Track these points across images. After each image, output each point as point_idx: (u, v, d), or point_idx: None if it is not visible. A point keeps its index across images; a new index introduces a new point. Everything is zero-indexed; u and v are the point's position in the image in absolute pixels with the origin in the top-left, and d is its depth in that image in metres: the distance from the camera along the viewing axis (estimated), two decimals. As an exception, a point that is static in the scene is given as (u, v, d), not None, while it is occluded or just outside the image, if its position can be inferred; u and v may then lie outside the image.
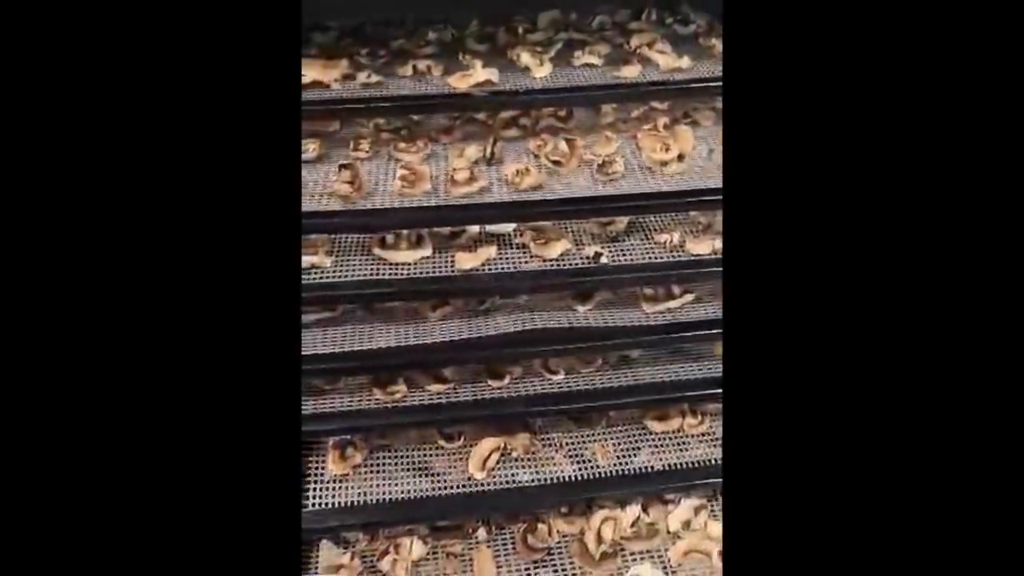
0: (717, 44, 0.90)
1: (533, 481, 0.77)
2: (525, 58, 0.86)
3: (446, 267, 0.76)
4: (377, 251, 0.77)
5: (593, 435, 0.82)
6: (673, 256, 0.77)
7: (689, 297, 0.79)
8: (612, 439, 0.82)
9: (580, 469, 0.79)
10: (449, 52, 0.89)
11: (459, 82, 0.82)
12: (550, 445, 0.81)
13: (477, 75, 0.83)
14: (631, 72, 0.85)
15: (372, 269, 0.76)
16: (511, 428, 0.80)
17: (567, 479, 0.78)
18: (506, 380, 0.78)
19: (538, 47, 0.90)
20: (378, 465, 0.79)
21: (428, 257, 0.77)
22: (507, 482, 0.78)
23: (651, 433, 0.82)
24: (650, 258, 0.77)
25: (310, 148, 0.84)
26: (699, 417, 0.82)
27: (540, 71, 0.85)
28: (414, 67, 0.85)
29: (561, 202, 0.75)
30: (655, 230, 0.81)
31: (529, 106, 0.87)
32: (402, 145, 0.85)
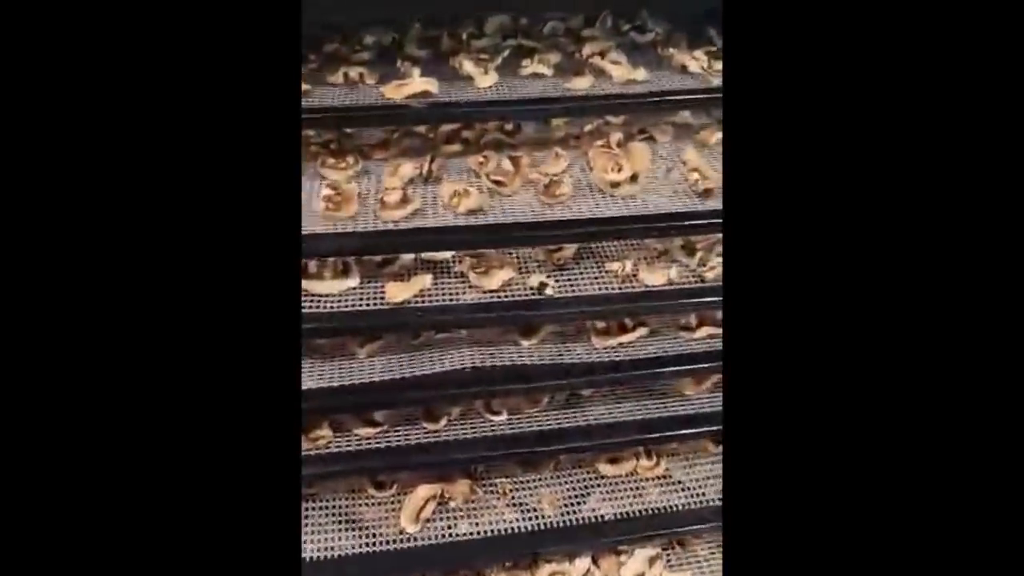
0: (676, 54, 0.84)
1: (473, 534, 0.70)
2: (468, 66, 0.79)
3: (375, 299, 0.68)
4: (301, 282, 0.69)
5: (539, 480, 0.75)
6: (625, 287, 0.71)
7: (643, 331, 0.72)
8: (560, 485, 0.75)
9: (525, 519, 0.72)
10: (387, 58, 0.82)
11: (394, 92, 0.75)
12: (492, 492, 0.74)
13: (415, 84, 0.75)
14: (582, 83, 0.78)
15: (293, 301, 0.68)
16: (449, 474, 0.72)
17: (511, 531, 0.71)
18: (443, 422, 0.71)
19: (483, 54, 0.83)
20: (304, 516, 0.72)
21: (355, 288, 0.70)
22: (444, 535, 0.70)
23: (602, 477, 0.76)
24: (600, 289, 0.70)
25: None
26: (654, 459, 0.76)
27: (484, 80, 0.78)
28: (345, 74, 0.78)
29: (502, 228, 0.68)
30: (606, 257, 0.74)
31: (472, 119, 0.80)
32: (330, 161, 0.77)
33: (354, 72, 0.78)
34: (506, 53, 0.83)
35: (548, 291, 0.69)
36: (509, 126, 0.87)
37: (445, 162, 0.79)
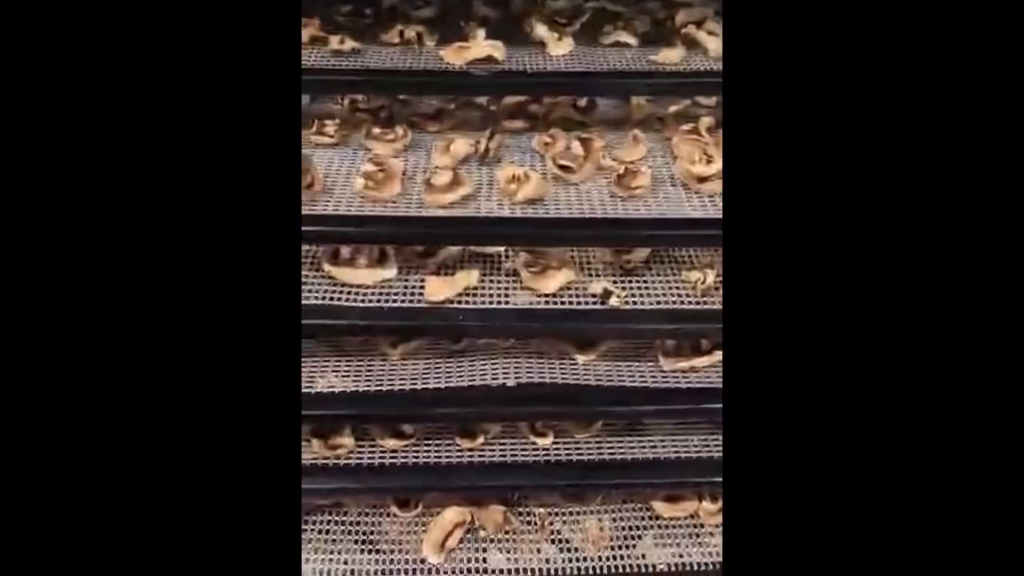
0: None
1: (505, 571, 0.61)
2: (541, 30, 0.68)
3: (414, 295, 0.59)
4: (328, 267, 0.61)
5: (584, 513, 0.66)
6: (704, 302, 0.60)
7: (719, 355, 0.62)
8: (608, 521, 0.65)
9: (565, 557, 0.63)
10: (452, 16, 0.72)
11: (454, 56, 0.65)
12: (529, 523, 0.65)
13: (478, 48, 0.65)
14: (672, 56, 0.67)
15: (320, 291, 0.60)
16: (482, 499, 0.64)
17: (548, 571, 0.62)
18: (480, 440, 0.62)
19: (560, 17, 0.72)
20: (316, 532, 0.64)
21: (391, 280, 0.61)
22: (471, 568, 0.62)
23: (657, 518, 0.66)
24: (675, 301, 0.60)
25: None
26: (719, 503, 0.66)
27: (558, 48, 0.67)
28: (401, 33, 0.69)
29: (565, 223, 0.58)
30: (684, 264, 0.63)
31: (540, 91, 0.70)
32: (376, 131, 0.68)
33: (411, 31, 0.69)
34: (586, 17, 0.72)
35: (613, 300, 0.59)
36: (583, 102, 0.76)
37: (506, 140, 0.70)
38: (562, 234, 0.58)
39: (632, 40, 0.69)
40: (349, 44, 0.66)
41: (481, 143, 0.67)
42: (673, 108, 0.74)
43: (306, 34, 0.67)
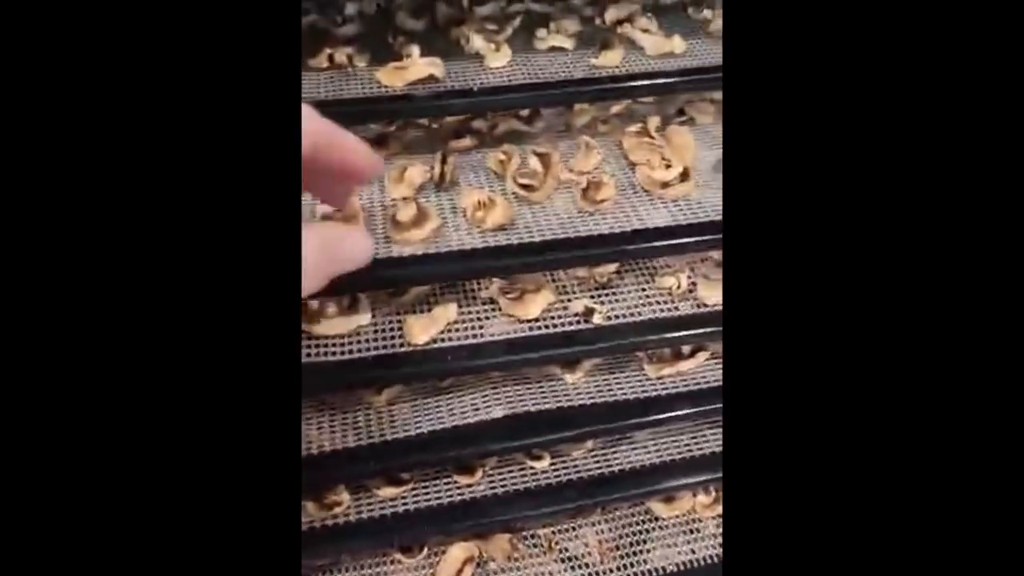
0: (712, 17, 0.73)
1: (520, 600, 0.61)
2: (477, 42, 0.66)
3: (393, 338, 0.57)
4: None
5: (587, 526, 0.66)
6: (683, 306, 0.61)
7: (703, 356, 0.63)
8: (611, 530, 0.66)
9: (579, 575, 0.63)
10: (375, 31, 0.69)
11: (392, 77, 0.62)
12: (536, 545, 0.64)
13: (416, 68, 0.63)
14: (612, 59, 0.66)
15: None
16: (486, 531, 0.63)
17: (563, 592, 0.62)
18: (479, 475, 0.61)
19: (489, 24, 0.70)
20: (318, 592, 0.62)
21: (366, 325, 0.58)
22: (488, 602, 0.62)
23: (657, 519, 0.67)
24: (656, 310, 0.60)
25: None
26: (711, 495, 0.68)
27: (496, 60, 0.65)
28: (330, 56, 0.65)
29: (542, 247, 0.57)
30: (656, 272, 0.64)
31: (489, 108, 0.68)
32: (322, 165, 0.64)
33: (341, 54, 0.65)
34: (517, 22, 0.71)
35: (596, 318, 0.59)
36: (525, 112, 0.74)
37: (457, 160, 0.67)
38: (542, 260, 0.57)
39: (568, 44, 0.68)
40: (279, 76, 0.62)
41: (435, 167, 0.64)
42: (615, 109, 0.74)
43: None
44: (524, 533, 0.64)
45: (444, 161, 0.65)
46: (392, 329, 0.58)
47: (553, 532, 0.65)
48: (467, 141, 0.69)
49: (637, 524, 0.66)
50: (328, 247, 0.41)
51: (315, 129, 0.40)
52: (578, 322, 0.59)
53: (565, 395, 0.60)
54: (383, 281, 0.56)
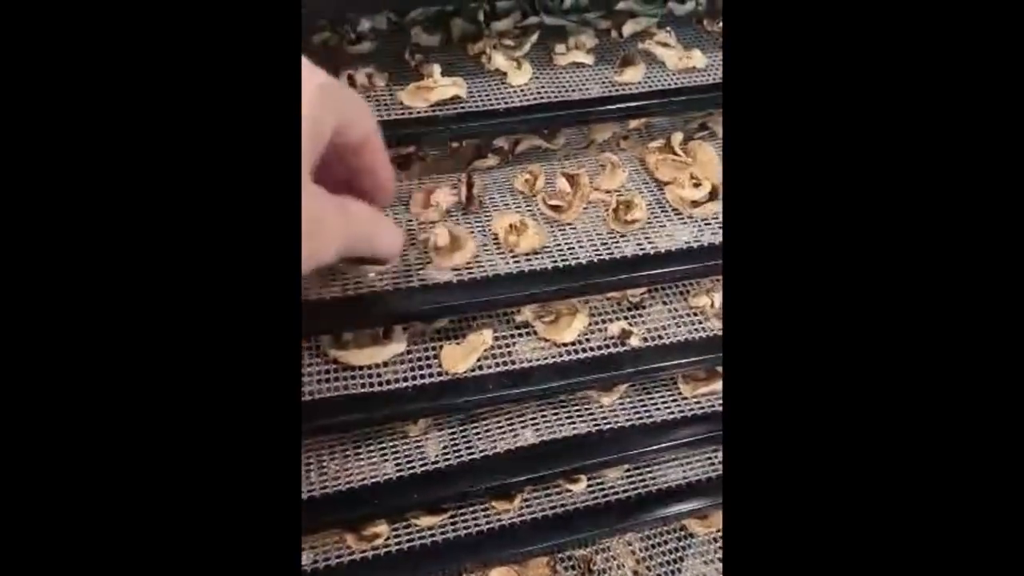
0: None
1: (560, 623, 0.61)
2: (499, 60, 0.65)
3: (430, 367, 0.56)
4: (333, 352, 0.56)
5: (623, 545, 0.66)
6: (716, 324, 0.61)
7: (737, 374, 0.63)
8: (646, 549, 0.66)
9: (615, 595, 0.64)
10: (390, 48, 0.67)
11: (415, 98, 0.61)
12: (573, 567, 0.64)
13: (440, 89, 0.62)
14: (635, 75, 0.66)
15: (328, 379, 0.55)
16: (524, 557, 0.63)
17: (602, 613, 0.62)
18: (517, 501, 0.61)
19: (507, 39, 0.69)
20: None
21: (402, 354, 0.57)
22: (528, 627, 0.61)
23: (691, 535, 0.67)
24: (690, 331, 0.60)
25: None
26: (746, 509, 0.68)
27: (519, 77, 0.64)
28: (350, 77, 0.63)
29: (580, 272, 0.56)
30: (687, 292, 0.64)
31: (516, 129, 0.67)
32: (345, 189, 0.63)
33: (361, 75, 0.64)
34: (534, 38, 0.70)
35: (633, 340, 0.58)
36: (545, 130, 0.74)
37: (481, 179, 0.67)
38: (579, 286, 0.56)
39: (587, 59, 0.67)
40: (301, 99, 0.60)
41: (461, 189, 0.64)
42: (634, 124, 0.74)
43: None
44: (560, 555, 0.64)
45: (470, 184, 0.64)
46: (428, 357, 0.57)
47: (591, 553, 0.65)
48: (490, 160, 0.69)
49: (673, 541, 0.67)
50: (353, 221, 0.39)
51: (370, 128, 0.41)
52: (615, 345, 0.59)
53: (603, 418, 0.60)
54: (420, 313, 0.55)
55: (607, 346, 0.59)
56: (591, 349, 0.58)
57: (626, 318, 0.61)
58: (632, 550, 0.65)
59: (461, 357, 0.56)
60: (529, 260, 0.58)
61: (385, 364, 0.57)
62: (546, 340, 0.59)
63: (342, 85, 0.40)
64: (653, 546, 0.66)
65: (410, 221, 0.61)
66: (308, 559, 0.57)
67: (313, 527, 0.57)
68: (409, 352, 0.57)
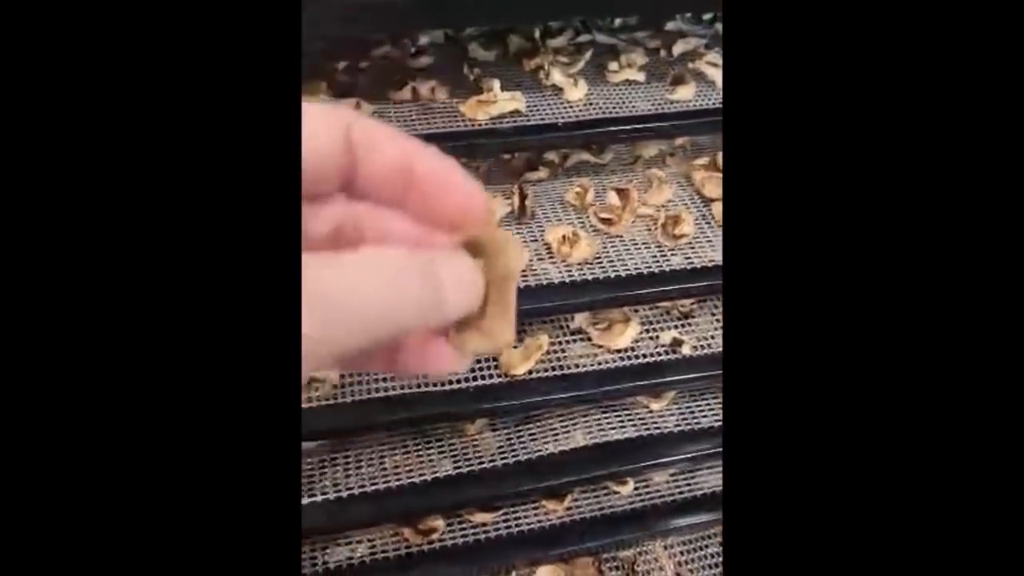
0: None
1: (606, 621, 0.63)
2: (556, 75, 0.68)
3: (488, 370, 0.59)
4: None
5: (667, 548, 0.68)
6: (762, 336, 0.63)
7: (779, 383, 0.65)
8: (688, 553, 0.68)
9: (657, 596, 0.65)
10: (450, 62, 0.70)
11: (475, 111, 0.64)
12: (618, 568, 0.66)
13: (503, 103, 0.65)
14: (686, 93, 0.69)
15: (389, 377, 0.58)
16: (573, 555, 0.65)
17: (646, 614, 0.64)
18: (568, 501, 0.63)
19: (562, 56, 0.72)
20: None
21: (463, 358, 0.60)
22: (574, 624, 0.63)
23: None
24: (735, 341, 0.63)
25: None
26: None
27: (575, 93, 0.67)
28: (414, 90, 0.66)
29: (632, 282, 0.59)
30: (734, 302, 0.66)
31: (569, 142, 0.70)
32: (406, 198, 0.66)
33: (424, 87, 0.66)
34: (588, 55, 0.73)
35: (685, 348, 0.61)
36: (594, 145, 0.77)
37: (532, 191, 0.69)
38: (633, 295, 0.59)
39: (639, 77, 0.70)
40: (367, 108, 0.63)
41: (514, 200, 0.66)
42: (679, 141, 0.77)
43: (316, 100, 0.63)
44: (607, 556, 0.66)
45: (523, 194, 0.67)
46: (487, 360, 0.59)
47: (634, 555, 0.67)
48: (540, 173, 0.72)
49: (714, 546, 0.69)
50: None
51: (403, 148, 0.27)
52: (666, 352, 0.61)
53: (652, 422, 0.62)
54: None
55: (658, 353, 0.61)
56: (642, 356, 0.61)
57: (676, 327, 0.63)
58: (674, 553, 0.67)
59: (520, 359, 0.59)
60: (582, 270, 0.60)
61: (446, 366, 0.59)
62: (600, 346, 0.61)
63: (360, 114, 0.29)
64: (694, 550, 0.68)
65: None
66: (365, 550, 0.59)
67: (372, 520, 0.59)
68: (468, 356, 0.60)
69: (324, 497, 0.56)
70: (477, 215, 0.28)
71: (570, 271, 0.60)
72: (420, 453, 0.59)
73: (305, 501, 0.55)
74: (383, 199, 0.27)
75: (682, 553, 0.68)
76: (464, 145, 0.65)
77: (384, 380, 0.58)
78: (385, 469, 0.58)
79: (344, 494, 0.57)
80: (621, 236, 0.65)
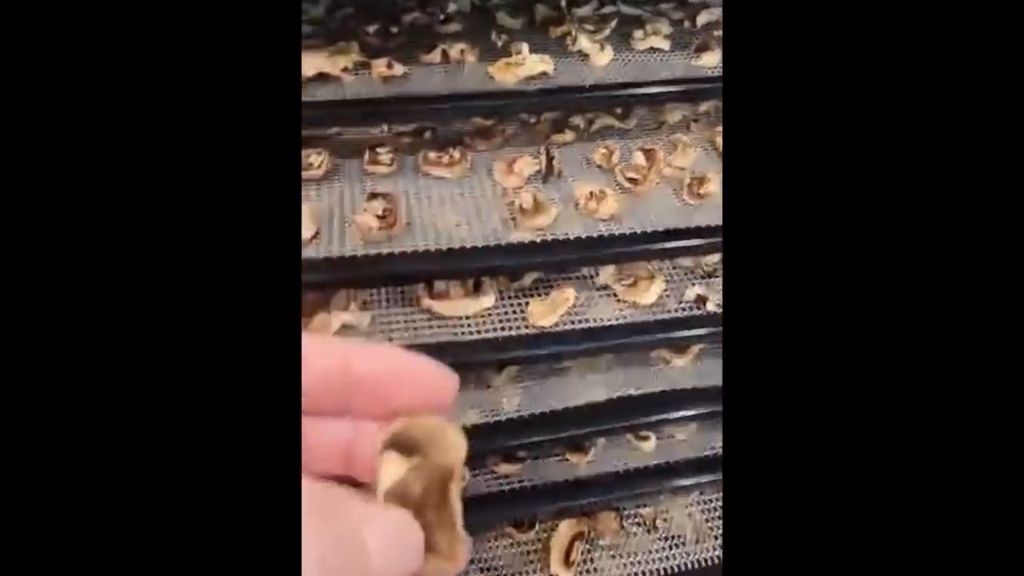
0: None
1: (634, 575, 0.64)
2: (583, 41, 0.69)
3: (516, 321, 0.60)
4: (427, 302, 0.60)
5: (689, 507, 0.69)
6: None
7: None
8: (709, 511, 0.69)
9: (680, 552, 0.66)
10: (478, 29, 0.71)
11: (504, 73, 0.65)
12: (640, 524, 0.67)
13: (528, 65, 0.66)
14: (711, 60, 0.69)
15: (419, 326, 0.59)
16: (590, 508, 0.65)
17: (669, 569, 0.65)
18: (591, 454, 0.64)
19: (587, 24, 0.73)
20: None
21: (490, 308, 0.61)
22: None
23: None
24: (760, 298, 0.63)
25: (315, 162, 0.65)
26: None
27: (601, 58, 0.68)
28: (444, 52, 0.67)
29: (661, 236, 0.60)
30: (758, 261, 0.67)
31: (590, 104, 0.71)
32: (432, 156, 0.67)
33: (454, 50, 0.67)
34: (613, 23, 0.73)
35: (709, 306, 0.61)
36: (619, 110, 0.77)
37: (560, 155, 0.70)
38: (660, 249, 0.60)
39: (664, 44, 0.71)
40: (399, 68, 0.64)
41: (542, 159, 0.67)
42: (704, 107, 0.77)
43: (349, 59, 0.64)
44: (628, 512, 0.67)
45: (549, 155, 0.68)
46: (514, 312, 0.60)
47: (657, 512, 0.67)
48: (567, 136, 0.72)
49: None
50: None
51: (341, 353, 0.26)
52: (691, 308, 0.62)
53: (675, 379, 0.63)
54: (506, 268, 0.59)
55: (683, 309, 0.62)
56: (669, 311, 0.61)
57: (701, 284, 0.64)
58: (695, 510, 0.68)
59: (547, 311, 0.59)
60: (608, 224, 0.61)
61: (474, 316, 0.60)
62: (625, 302, 0.62)
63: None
64: (716, 508, 0.68)
65: (494, 186, 0.65)
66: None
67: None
68: (496, 307, 0.61)
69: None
70: (427, 398, 0.25)
71: (597, 226, 0.61)
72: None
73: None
74: (320, 409, 0.25)
75: (703, 512, 0.68)
76: (491, 106, 0.67)
77: (408, 330, 0.59)
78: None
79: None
80: (646, 195, 0.65)
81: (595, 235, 0.60)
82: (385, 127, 0.71)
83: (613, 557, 0.64)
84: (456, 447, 0.24)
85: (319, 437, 0.25)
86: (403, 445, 0.24)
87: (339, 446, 0.25)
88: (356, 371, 0.24)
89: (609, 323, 0.59)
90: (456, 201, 0.63)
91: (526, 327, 0.59)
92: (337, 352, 0.25)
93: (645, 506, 0.67)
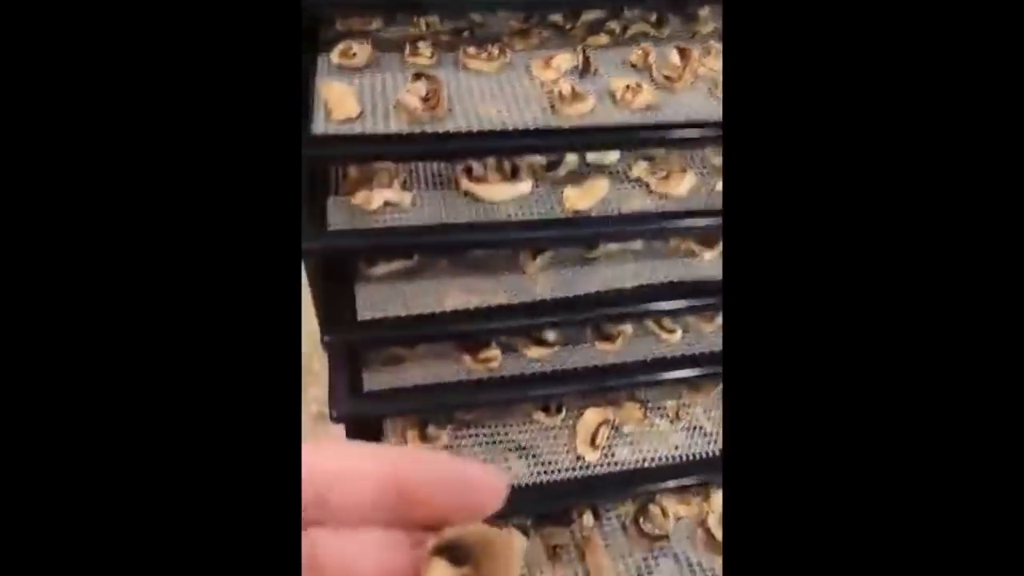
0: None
1: (648, 461, 0.66)
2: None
3: (551, 206, 0.61)
4: (466, 184, 0.61)
5: (710, 399, 0.71)
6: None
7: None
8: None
9: (703, 442, 0.68)
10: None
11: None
12: (663, 416, 0.69)
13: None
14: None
15: (458, 206, 0.60)
16: (615, 397, 0.67)
17: (689, 456, 0.67)
18: (618, 343, 0.66)
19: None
20: (466, 446, 0.66)
21: (527, 194, 0.62)
22: (621, 462, 0.66)
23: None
24: (789, 195, 0.65)
25: (357, 51, 0.66)
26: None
27: (636, -39, 0.69)
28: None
29: (693, 125, 0.61)
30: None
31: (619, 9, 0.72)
32: (471, 50, 0.68)
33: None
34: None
35: (739, 198, 0.63)
36: (653, 18, 0.78)
37: (594, 55, 0.71)
38: (696, 138, 0.61)
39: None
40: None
41: (578, 57, 0.68)
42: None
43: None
44: (652, 404, 0.69)
45: (585, 51, 0.69)
46: (550, 198, 0.62)
47: (679, 404, 0.69)
48: (602, 39, 0.73)
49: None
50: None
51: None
52: (720, 198, 0.63)
53: (703, 270, 0.64)
54: (550, 148, 0.60)
55: (712, 201, 0.63)
56: (697, 202, 0.63)
57: (730, 181, 0.65)
58: (714, 408, 0.70)
59: (583, 195, 0.61)
60: (643, 115, 0.62)
61: (511, 200, 0.61)
62: (658, 193, 0.63)
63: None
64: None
65: (532, 79, 0.66)
66: (428, 374, 0.62)
67: (429, 342, 0.62)
68: (533, 194, 0.62)
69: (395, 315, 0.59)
70: (477, 506, 0.23)
71: (632, 115, 0.62)
72: (478, 285, 0.62)
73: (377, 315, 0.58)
74: (369, 520, 0.23)
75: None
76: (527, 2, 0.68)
77: (452, 209, 0.60)
78: (441, 295, 0.61)
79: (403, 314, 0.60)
80: (682, 92, 0.66)
81: (631, 124, 0.61)
82: (424, 25, 0.72)
83: (634, 443, 0.66)
84: (510, 559, 0.23)
85: (364, 549, 0.23)
86: (454, 554, 0.23)
87: (388, 558, 0.24)
88: (406, 481, 0.23)
89: (640, 211, 0.61)
90: (495, 94, 0.64)
91: (562, 211, 0.60)
92: (387, 460, 0.24)
93: (670, 399, 0.69)
